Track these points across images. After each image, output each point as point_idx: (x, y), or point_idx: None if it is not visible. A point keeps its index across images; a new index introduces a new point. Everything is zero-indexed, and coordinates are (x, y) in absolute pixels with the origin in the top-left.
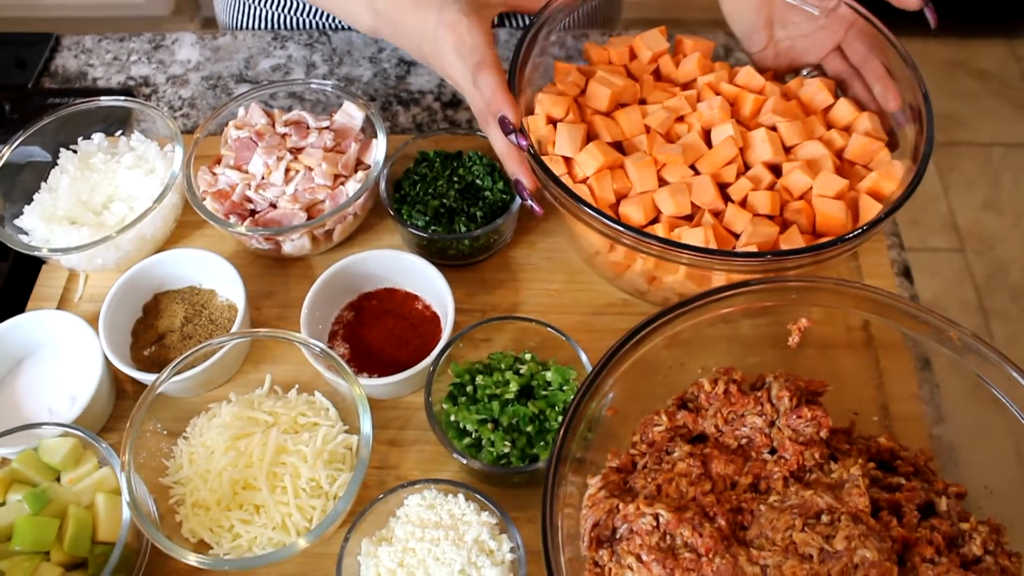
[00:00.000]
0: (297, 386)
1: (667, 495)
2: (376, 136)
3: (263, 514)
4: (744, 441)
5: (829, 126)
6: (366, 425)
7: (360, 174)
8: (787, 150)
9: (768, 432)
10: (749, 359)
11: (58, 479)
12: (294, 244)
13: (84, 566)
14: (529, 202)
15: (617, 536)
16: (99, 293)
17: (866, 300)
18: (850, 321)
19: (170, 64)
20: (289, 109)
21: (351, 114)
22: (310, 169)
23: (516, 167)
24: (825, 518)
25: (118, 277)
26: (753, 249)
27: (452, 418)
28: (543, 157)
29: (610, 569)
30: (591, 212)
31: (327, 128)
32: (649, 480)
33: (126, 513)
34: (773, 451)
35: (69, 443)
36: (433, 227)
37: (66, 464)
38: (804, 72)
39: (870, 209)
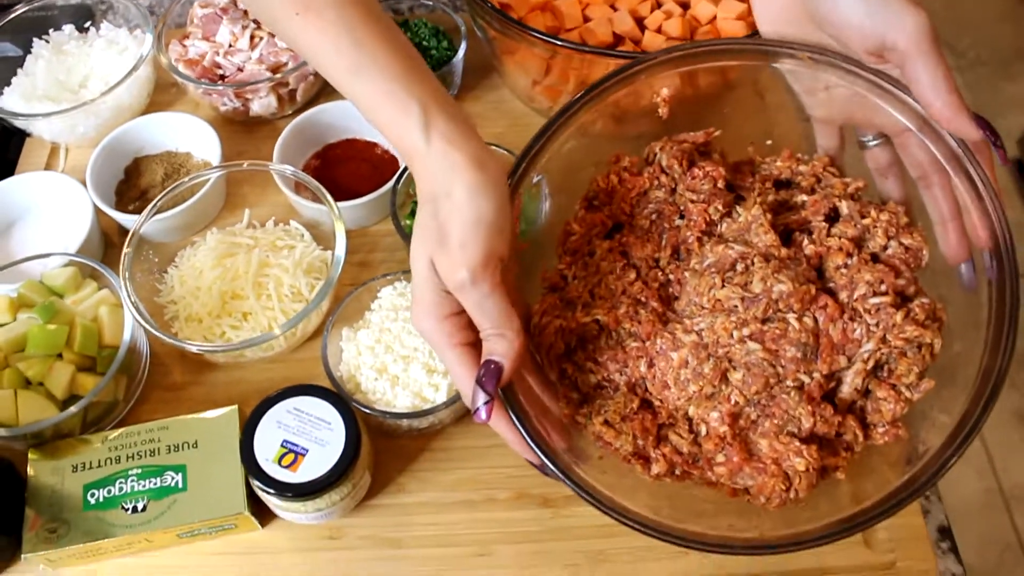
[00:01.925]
0: (273, 218)
1: (600, 297)
2: None
3: (251, 320)
4: (654, 216)
5: None
6: (340, 231)
7: None
8: None
9: (672, 200)
10: (640, 143)
11: None
12: (261, 102)
13: (93, 369)
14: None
15: (572, 347)
16: (80, 165)
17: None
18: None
19: None
20: None
21: None
22: (272, 36)
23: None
24: (740, 266)
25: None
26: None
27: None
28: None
29: (576, 376)
30: (534, 34)
31: None
32: (582, 288)
33: (128, 316)
34: (683, 216)
35: (70, 271)
36: None
37: (67, 289)
38: (866, 138)
39: None
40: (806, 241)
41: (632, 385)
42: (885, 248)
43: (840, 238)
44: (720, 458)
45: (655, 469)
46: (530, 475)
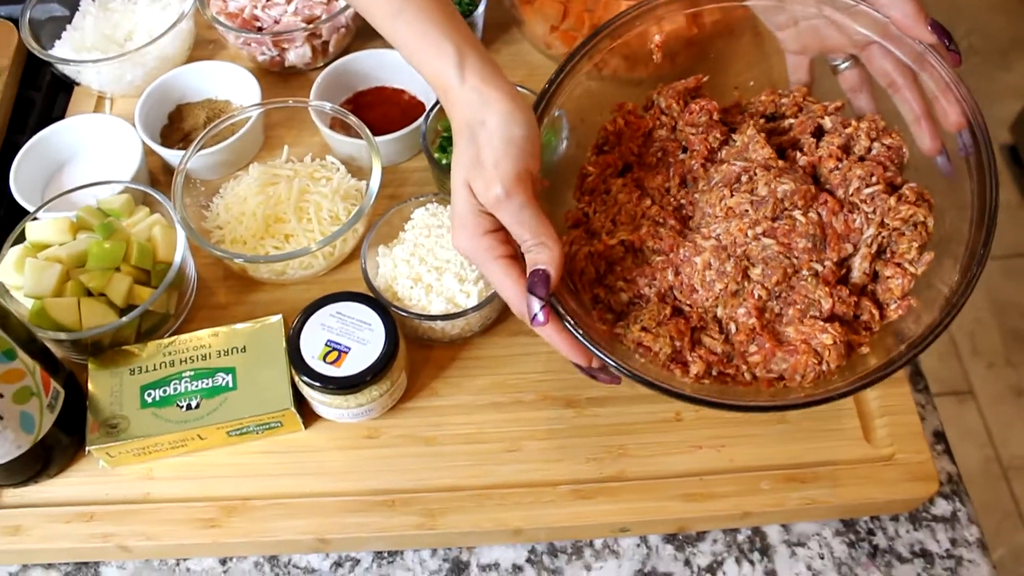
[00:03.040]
0: (311, 153)
1: (622, 223)
2: None
3: (292, 241)
4: (660, 154)
5: None
6: (376, 161)
7: None
8: None
9: (674, 136)
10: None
11: None
12: (297, 52)
13: (147, 283)
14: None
15: (602, 273)
16: (124, 114)
17: None
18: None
19: None
20: None
21: None
22: None
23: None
24: (744, 178)
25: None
26: None
27: (444, 162)
28: None
29: (608, 299)
30: None
31: None
32: (604, 219)
33: (181, 232)
34: (685, 149)
35: (124, 198)
36: None
37: (122, 213)
38: (836, 62)
39: None
40: (799, 155)
41: (662, 295)
42: (869, 150)
43: (829, 146)
44: (753, 348)
45: (693, 370)
46: (553, 379)
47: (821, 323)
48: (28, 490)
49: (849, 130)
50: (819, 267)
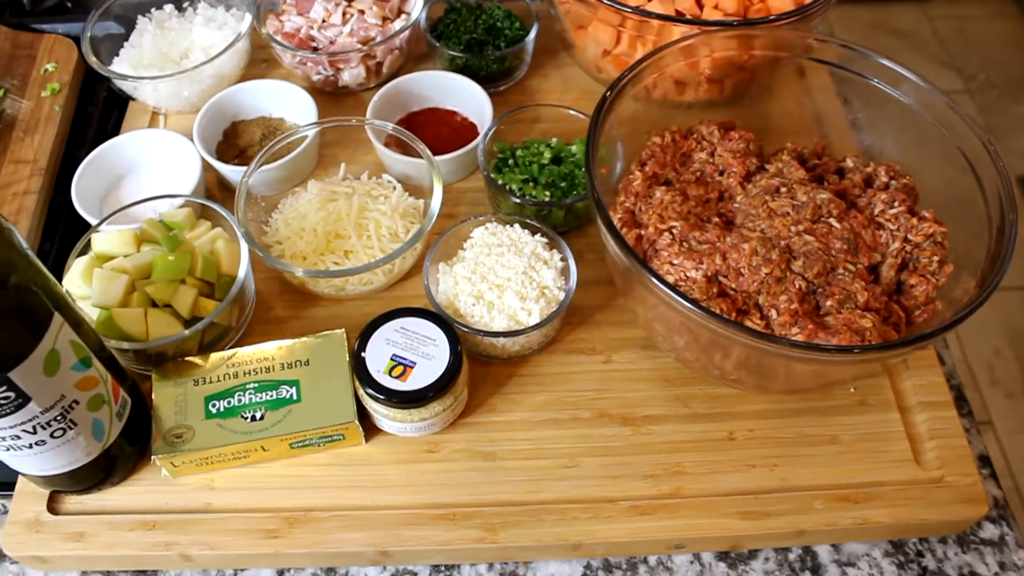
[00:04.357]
0: (367, 171)
1: (669, 218)
2: None
3: (352, 258)
4: (698, 174)
5: None
6: (437, 181)
7: (404, 16)
8: None
9: (712, 160)
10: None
11: None
12: (352, 72)
13: (211, 296)
14: None
15: (647, 256)
16: (178, 130)
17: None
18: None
19: None
20: None
21: None
22: (363, 12)
23: None
24: (783, 190)
25: (191, 117)
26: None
27: (500, 183)
28: None
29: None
30: (606, 2)
31: None
32: (651, 213)
33: (244, 244)
34: (722, 172)
35: (186, 211)
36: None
37: (184, 226)
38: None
39: None
40: (826, 184)
41: (709, 277)
42: (887, 185)
43: (852, 178)
44: (795, 330)
45: None
46: (609, 398)
47: (859, 311)
48: (90, 497)
49: (869, 168)
50: (851, 268)
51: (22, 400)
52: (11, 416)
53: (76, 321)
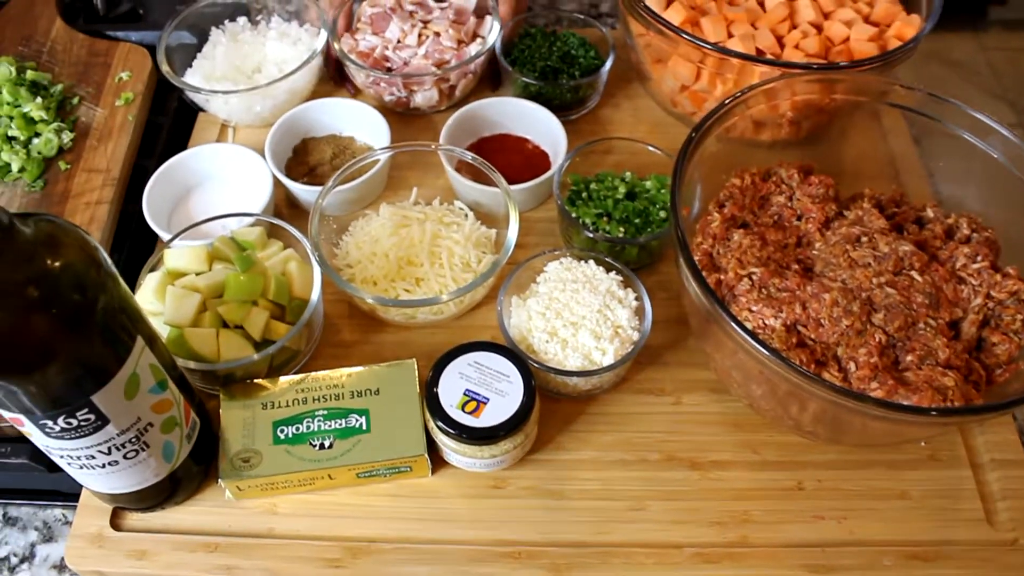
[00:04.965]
0: (438, 196)
1: (748, 263)
2: (488, 13)
3: (423, 286)
4: (776, 217)
5: None
6: (513, 213)
7: (479, 40)
8: (825, 16)
9: (790, 204)
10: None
11: None
12: (425, 95)
13: (282, 318)
14: None
15: (724, 300)
16: (247, 143)
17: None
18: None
19: None
20: None
21: None
22: (438, 35)
23: None
24: (864, 239)
25: (260, 131)
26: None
27: (574, 215)
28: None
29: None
30: (697, 41)
31: (447, 6)
32: (730, 257)
33: (317, 268)
34: (799, 217)
35: (258, 230)
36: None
37: (256, 245)
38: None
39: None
40: (905, 233)
41: (788, 327)
42: (969, 238)
43: (932, 229)
44: (874, 384)
45: None
46: (677, 440)
47: (941, 369)
48: (153, 516)
49: (950, 220)
50: (933, 323)
51: (101, 422)
52: (89, 437)
53: (151, 339)
